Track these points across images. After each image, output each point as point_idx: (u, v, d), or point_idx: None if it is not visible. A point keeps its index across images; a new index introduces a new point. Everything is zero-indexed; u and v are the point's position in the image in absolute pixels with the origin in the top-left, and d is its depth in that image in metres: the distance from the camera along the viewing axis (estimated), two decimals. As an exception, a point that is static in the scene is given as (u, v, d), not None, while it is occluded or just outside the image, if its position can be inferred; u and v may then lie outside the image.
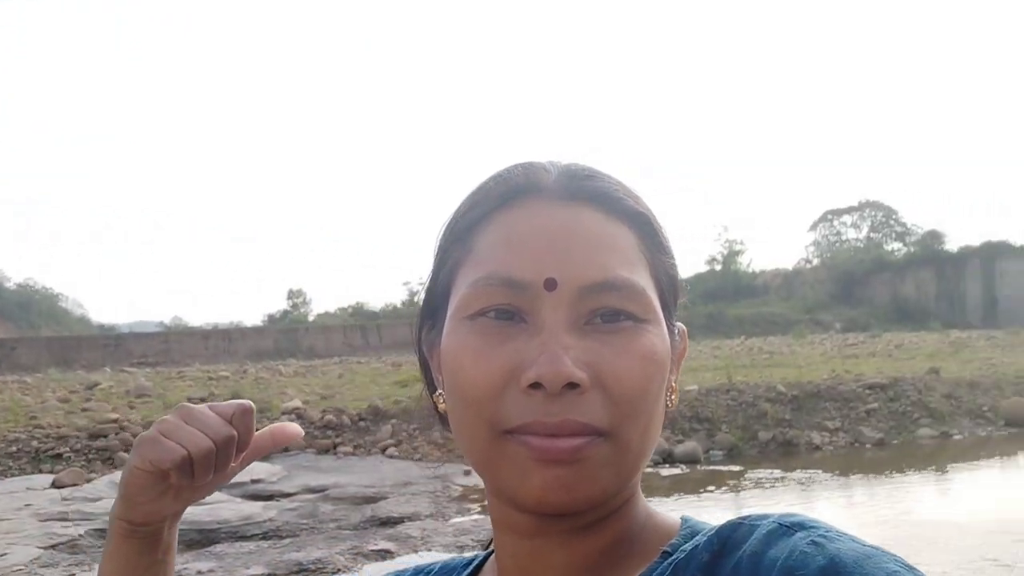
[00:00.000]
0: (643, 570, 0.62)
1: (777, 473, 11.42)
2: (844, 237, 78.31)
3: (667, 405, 0.66)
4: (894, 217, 76.27)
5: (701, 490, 10.77)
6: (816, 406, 14.13)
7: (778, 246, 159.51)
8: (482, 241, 0.65)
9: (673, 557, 0.61)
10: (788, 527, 0.55)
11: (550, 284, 0.60)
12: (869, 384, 14.83)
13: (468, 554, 0.80)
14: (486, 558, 0.76)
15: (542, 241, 0.62)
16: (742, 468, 11.84)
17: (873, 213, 76.64)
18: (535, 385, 0.58)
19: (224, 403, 0.74)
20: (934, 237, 67.19)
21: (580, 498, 0.59)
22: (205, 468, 0.71)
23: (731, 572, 0.55)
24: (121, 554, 0.74)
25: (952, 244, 64.50)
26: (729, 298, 58.95)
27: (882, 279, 62.48)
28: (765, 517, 0.57)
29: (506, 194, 0.66)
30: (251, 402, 0.74)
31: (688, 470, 11.75)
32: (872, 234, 76.44)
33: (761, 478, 11.19)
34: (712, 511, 9.83)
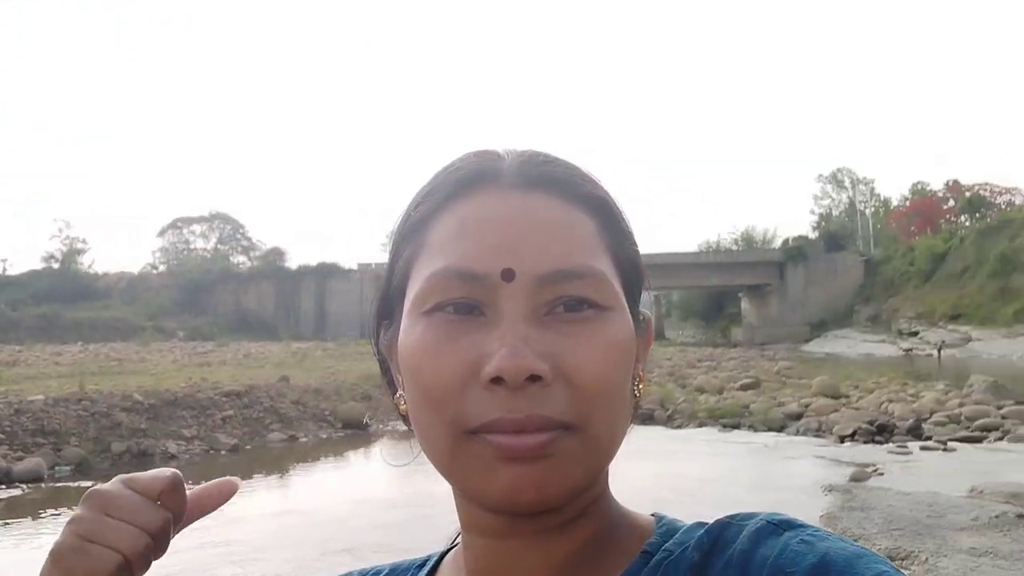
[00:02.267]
0: (624, 569, 0.60)
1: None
2: (193, 246, 78.69)
3: (635, 395, 0.64)
4: (241, 231, 79.34)
5: (42, 512, 9.72)
6: (173, 414, 13.90)
7: (125, 248, 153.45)
8: (436, 233, 0.61)
9: (657, 556, 0.60)
10: (777, 525, 0.56)
11: (507, 275, 0.57)
12: (226, 392, 15.15)
13: (419, 555, 0.75)
14: (442, 557, 0.72)
15: (498, 230, 0.59)
16: (94, 483, 10.96)
17: (222, 225, 78.63)
18: (496, 380, 0.54)
19: (146, 476, 0.60)
20: (276, 254, 71.81)
21: (550, 495, 0.56)
22: (145, 565, 0.58)
23: (721, 570, 0.55)
24: None
25: (292, 262, 69.65)
26: (67, 300, 54.33)
27: (227, 289, 64.39)
28: (753, 516, 0.58)
29: (459, 183, 0.62)
30: (177, 471, 0.61)
31: (30, 490, 10.51)
32: (220, 245, 78.29)
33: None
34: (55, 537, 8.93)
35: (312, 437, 15.19)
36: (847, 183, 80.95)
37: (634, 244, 0.67)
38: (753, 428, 15.30)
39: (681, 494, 9.74)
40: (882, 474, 10.30)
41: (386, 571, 0.74)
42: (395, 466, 0.79)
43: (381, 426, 16.51)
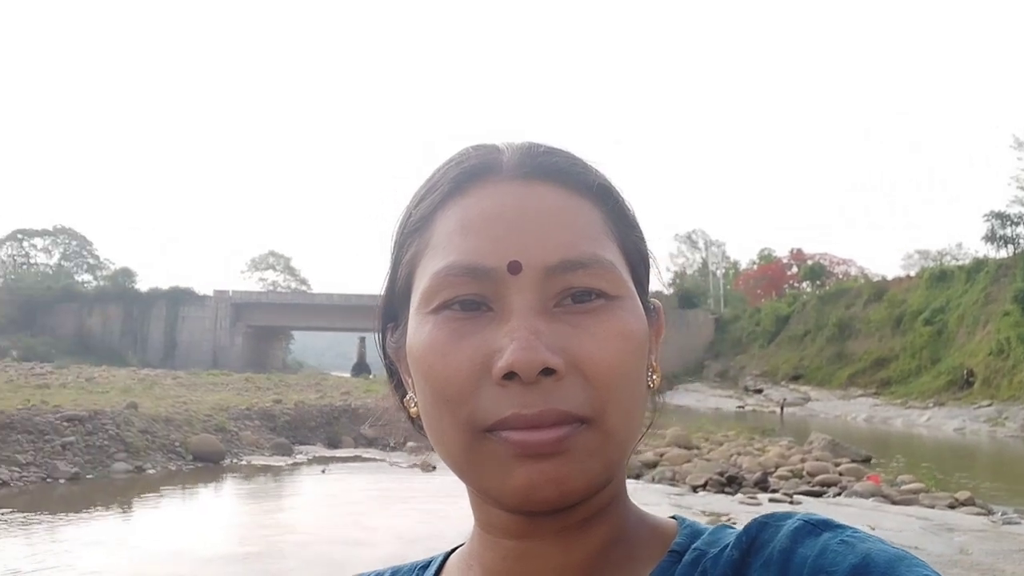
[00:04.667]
0: (653, 569, 0.60)
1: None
2: (34, 260, 73.80)
3: (649, 385, 0.63)
4: (88, 248, 75.16)
5: None
6: (7, 438, 12.86)
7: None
8: (439, 230, 0.60)
9: (690, 555, 0.59)
10: (815, 525, 0.55)
11: (514, 267, 0.56)
12: (68, 416, 14.16)
13: (422, 558, 0.72)
14: (446, 558, 0.70)
15: (502, 223, 0.58)
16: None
17: (67, 240, 74.25)
18: (509, 375, 0.54)
19: None
20: (126, 275, 68.28)
21: (569, 491, 0.55)
22: None
23: (760, 569, 0.55)
24: None
25: (142, 284, 66.38)
26: None
27: (69, 309, 60.63)
28: (790, 516, 0.58)
29: (460, 178, 0.61)
30: None
31: None
32: (64, 262, 73.82)
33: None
34: None
35: (160, 469, 14.38)
36: (701, 244, 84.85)
37: (640, 232, 0.66)
38: (611, 475, 15.60)
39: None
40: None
41: (387, 575, 0.73)
42: (405, 467, 0.77)
43: (235, 460, 15.86)
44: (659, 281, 0.68)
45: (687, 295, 67.66)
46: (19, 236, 72.72)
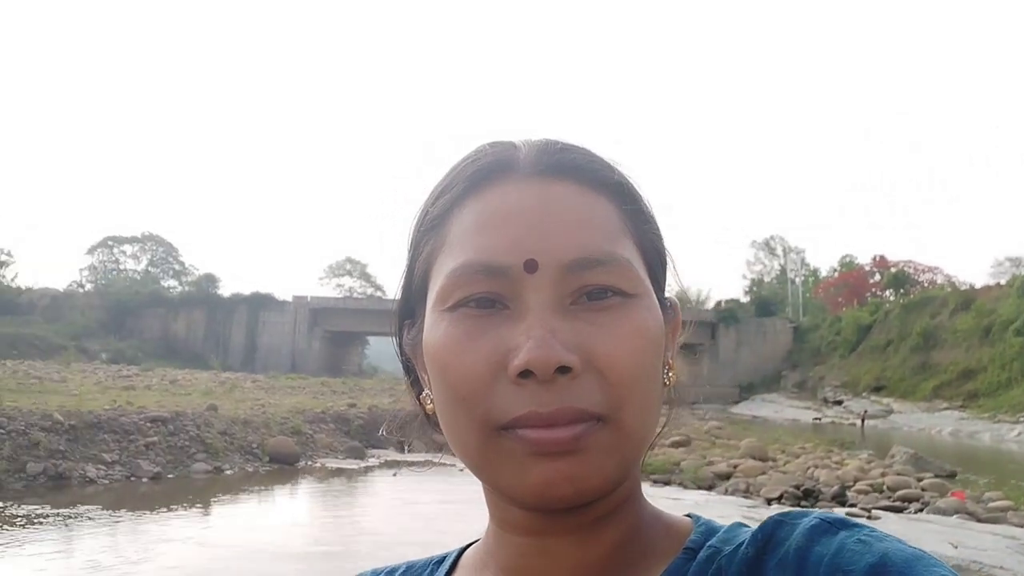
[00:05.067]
0: (668, 566, 0.59)
1: (44, 509, 10.45)
2: (123, 266, 76.66)
3: (665, 382, 0.63)
4: (174, 255, 77.69)
5: (-53, 532, 9.22)
6: (94, 437, 13.39)
7: (51, 264, 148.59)
8: (456, 228, 0.60)
9: (705, 552, 0.59)
10: (831, 524, 0.55)
11: (530, 266, 0.56)
12: (151, 417, 14.67)
13: (437, 553, 0.73)
14: (460, 554, 0.71)
15: (518, 221, 0.58)
16: (2, 504, 10.52)
17: (154, 247, 76.90)
18: (525, 373, 0.54)
19: None
20: (209, 280, 70.33)
21: (585, 489, 0.55)
22: None
23: (776, 567, 0.54)
24: None
25: (225, 290, 68.25)
26: (-14, 313, 52.22)
27: (156, 314, 62.74)
28: (806, 514, 0.57)
29: (476, 176, 0.62)
30: None
31: (-65, 508, 9.95)
32: (151, 268, 76.49)
33: (22, 515, 10.09)
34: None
35: (238, 470, 14.77)
36: (779, 251, 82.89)
37: (657, 228, 0.66)
38: (683, 485, 15.41)
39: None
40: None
41: (401, 570, 0.73)
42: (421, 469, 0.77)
43: (310, 462, 16.17)
44: (675, 279, 0.68)
45: (764, 303, 66.37)
46: (109, 243, 75.67)
